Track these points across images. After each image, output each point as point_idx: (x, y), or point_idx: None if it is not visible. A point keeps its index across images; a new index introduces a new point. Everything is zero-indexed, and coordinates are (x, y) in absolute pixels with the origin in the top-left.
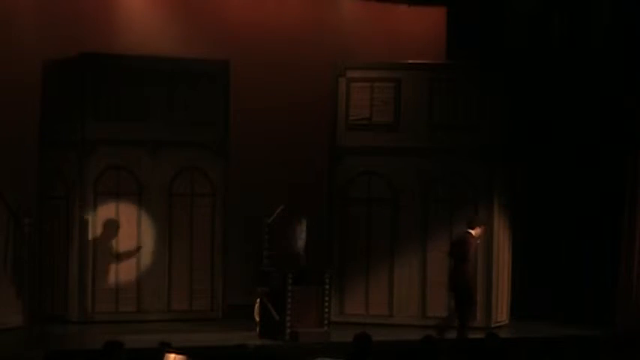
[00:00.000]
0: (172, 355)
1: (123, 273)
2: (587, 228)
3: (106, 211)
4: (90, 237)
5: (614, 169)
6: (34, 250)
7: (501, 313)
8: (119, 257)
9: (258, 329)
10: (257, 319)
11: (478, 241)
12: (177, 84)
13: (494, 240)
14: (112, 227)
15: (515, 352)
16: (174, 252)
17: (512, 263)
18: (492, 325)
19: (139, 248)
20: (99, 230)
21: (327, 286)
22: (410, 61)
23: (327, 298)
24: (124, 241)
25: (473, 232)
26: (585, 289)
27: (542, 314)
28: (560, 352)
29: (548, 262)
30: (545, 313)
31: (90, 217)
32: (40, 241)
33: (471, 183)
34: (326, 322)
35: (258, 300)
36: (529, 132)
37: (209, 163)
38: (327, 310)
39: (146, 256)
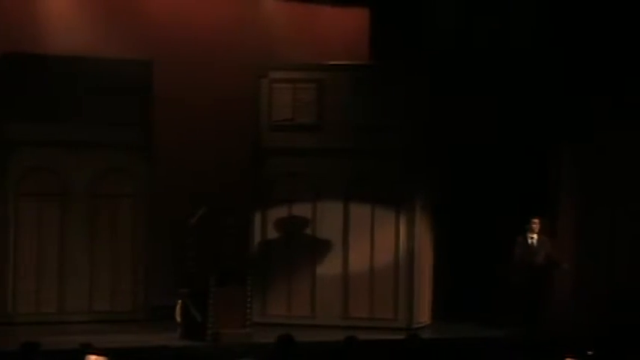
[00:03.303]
0: (94, 357)
1: (44, 274)
2: (511, 228)
3: (28, 211)
4: (11, 237)
5: (537, 170)
6: None
7: (423, 314)
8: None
9: (179, 330)
10: (179, 320)
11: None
12: (100, 84)
13: (415, 240)
14: (34, 228)
15: (436, 353)
16: (97, 253)
17: (439, 264)
18: (414, 326)
19: None
20: (20, 231)
21: (248, 287)
22: (333, 62)
23: (248, 299)
24: (46, 242)
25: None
26: (511, 290)
27: (469, 315)
28: (478, 354)
29: (475, 263)
30: (473, 313)
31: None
32: None
33: (393, 184)
34: (248, 323)
35: (179, 301)
36: (452, 132)
37: (133, 164)
38: (249, 311)
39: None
